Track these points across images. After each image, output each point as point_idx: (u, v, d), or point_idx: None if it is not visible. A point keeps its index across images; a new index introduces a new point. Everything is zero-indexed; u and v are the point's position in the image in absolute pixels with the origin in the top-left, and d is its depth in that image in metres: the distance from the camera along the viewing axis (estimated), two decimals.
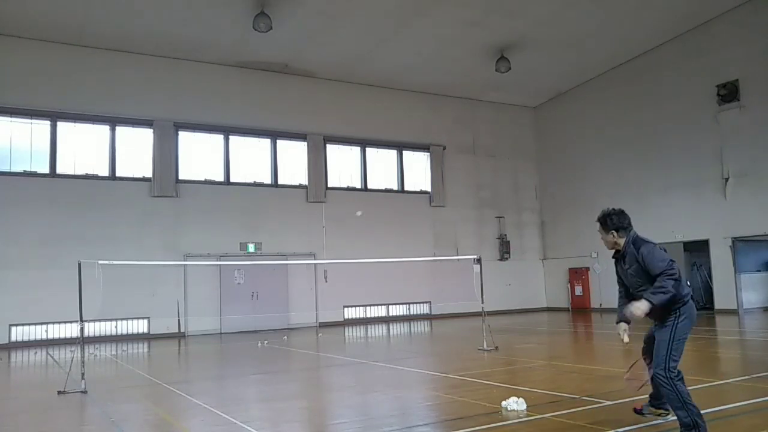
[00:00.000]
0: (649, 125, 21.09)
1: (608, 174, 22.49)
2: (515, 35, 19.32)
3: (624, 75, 22.01)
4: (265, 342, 15.06)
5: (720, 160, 19.02)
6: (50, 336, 16.74)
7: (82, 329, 8.88)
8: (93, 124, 18.08)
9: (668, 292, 4.57)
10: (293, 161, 20.86)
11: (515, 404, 6.12)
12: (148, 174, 18.52)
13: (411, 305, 22.20)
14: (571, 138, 24.28)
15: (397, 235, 21.72)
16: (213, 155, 19.72)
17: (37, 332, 16.72)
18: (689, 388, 6.60)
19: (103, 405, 7.65)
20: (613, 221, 4.99)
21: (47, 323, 16.73)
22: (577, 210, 23.69)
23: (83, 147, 17.94)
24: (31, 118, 17.29)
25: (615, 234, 4.99)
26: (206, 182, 19.44)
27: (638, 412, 5.41)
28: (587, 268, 23.27)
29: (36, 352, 14.88)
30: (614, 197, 22.20)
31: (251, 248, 19.55)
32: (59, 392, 8.39)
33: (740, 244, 18.84)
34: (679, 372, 4.66)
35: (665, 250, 4.82)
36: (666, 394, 4.66)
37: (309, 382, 9.48)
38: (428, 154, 23.21)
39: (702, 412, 5.51)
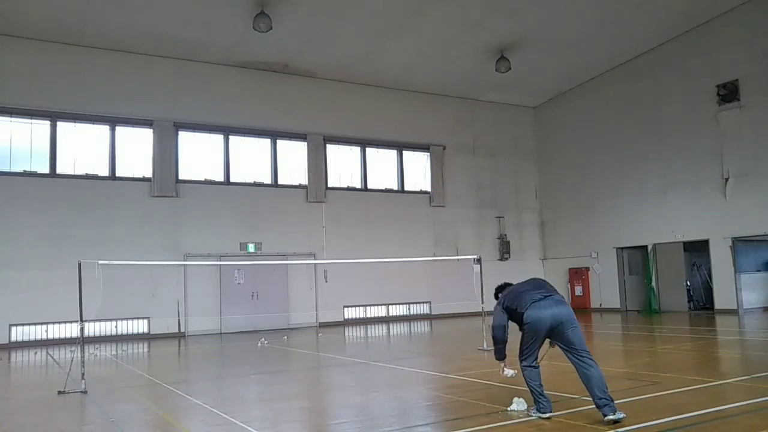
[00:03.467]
0: (649, 125, 21.09)
1: (608, 174, 22.49)
2: (515, 35, 19.32)
3: (624, 75, 22.01)
4: (265, 341, 15.05)
5: (720, 160, 19.02)
6: (50, 336, 16.74)
7: (82, 329, 8.88)
8: (93, 124, 18.08)
9: (493, 339, 6.26)
10: (293, 161, 20.86)
11: (516, 404, 6.12)
12: (148, 174, 18.52)
13: (411, 305, 22.19)
14: (571, 138, 24.27)
15: (397, 235, 21.72)
16: (213, 155, 19.72)
17: (37, 332, 16.72)
18: (689, 388, 6.58)
19: (103, 405, 7.65)
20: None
21: (47, 323, 16.73)
22: (577, 210, 23.70)
23: (83, 147, 17.94)
24: (31, 118, 17.29)
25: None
26: (206, 182, 19.44)
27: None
28: (587, 268, 23.27)
29: (36, 352, 14.88)
30: (614, 197, 22.25)
31: (251, 248, 19.55)
32: (59, 392, 8.40)
33: (740, 244, 18.84)
34: (531, 363, 5.91)
35: (506, 308, 6.14)
36: None
37: (309, 382, 9.48)
38: (428, 154, 23.21)
39: (702, 412, 5.52)
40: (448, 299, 20.32)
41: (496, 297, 6.47)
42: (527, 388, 5.96)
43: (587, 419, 5.66)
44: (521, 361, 5.93)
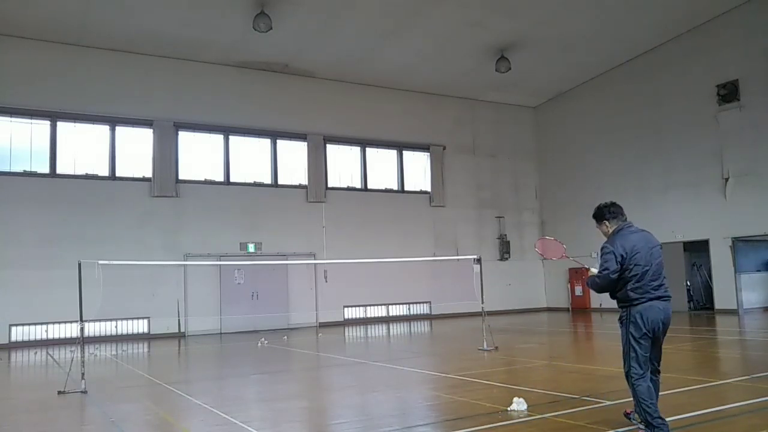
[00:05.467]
0: (649, 125, 21.08)
1: (608, 174, 22.47)
2: (515, 35, 19.31)
3: (624, 75, 22.00)
4: (265, 341, 15.05)
5: (720, 160, 19.02)
6: (50, 336, 16.73)
7: (82, 329, 8.88)
8: (93, 124, 18.07)
9: (593, 284, 5.20)
10: (293, 161, 20.85)
11: (516, 404, 6.12)
12: (148, 174, 18.52)
13: (411, 305, 22.19)
14: (571, 138, 24.26)
15: (397, 235, 21.71)
16: (213, 155, 19.71)
17: (37, 332, 16.71)
18: (689, 388, 6.57)
19: (103, 405, 7.65)
20: (594, 213, 5.38)
21: (47, 323, 16.72)
22: (577, 210, 23.64)
23: (83, 147, 17.93)
24: (31, 118, 17.29)
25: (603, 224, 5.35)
26: (206, 182, 19.43)
27: (627, 416, 5.36)
28: (587, 268, 23.16)
29: (36, 352, 14.88)
30: (614, 197, 22.05)
31: (251, 248, 19.55)
32: (59, 392, 8.39)
33: (740, 244, 18.84)
34: (642, 374, 4.82)
35: (620, 257, 4.98)
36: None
37: (309, 382, 9.48)
38: (428, 154, 23.21)
39: (702, 412, 5.51)
40: (448, 299, 20.32)
41: (600, 219, 5.25)
42: (638, 408, 4.87)
43: (587, 419, 5.65)
44: (631, 372, 4.85)
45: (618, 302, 5.08)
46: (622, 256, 4.92)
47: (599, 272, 5.06)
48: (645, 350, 4.86)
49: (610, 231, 5.22)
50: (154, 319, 18.00)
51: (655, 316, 4.85)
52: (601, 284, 5.08)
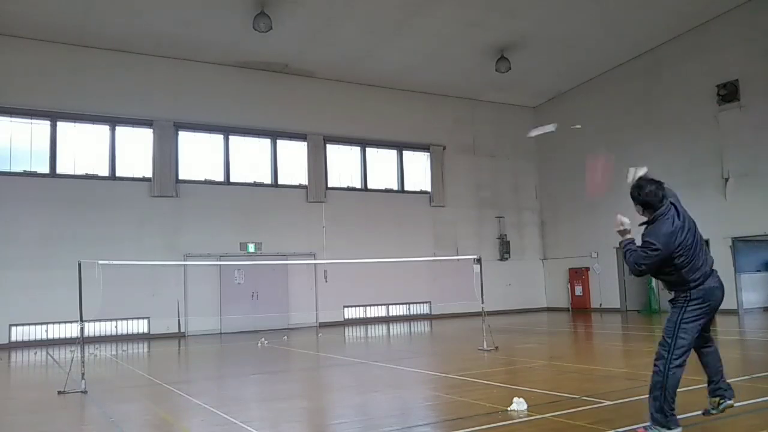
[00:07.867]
0: (649, 125, 21.08)
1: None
2: (515, 35, 19.32)
3: (624, 75, 22.00)
4: (265, 341, 15.05)
5: (720, 160, 19.02)
6: (50, 336, 16.73)
7: (82, 329, 8.88)
8: (93, 124, 18.07)
9: (628, 260, 4.76)
10: (293, 161, 20.85)
11: (516, 404, 6.12)
12: (148, 174, 18.52)
13: (411, 305, 22.19)
14: (571, 138, 24.23)
15: (397, 235, 21.71)
16: (213, 155, 19.71)
17: (37, 332, 16.71)
18: (689, 388, 6.54)
19: (103, 405, 7.65)
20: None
21: (47, 323, 16.72)
22: (577, 210, 23.67)
23: (83, 147, 17.93)
24: (31, 118, 17.29)
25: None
26: (206, 182, 19.44)
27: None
28: (587, 268, 23.26)
29: (36, 352, 14.88)
30: (614, 197, 22.24)
31: (251, 248, 19.55)
32: (59, 392, 8.39)
33: (740, 244, 18.83)
34: (682, 363, 4.60)
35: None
36: (653, 377, 4.64)
37: (309, 382, 9.48)
38: (428, 154, 23.21)
39: (702, 412, 5.47)
40: (448, 299, 20.31)
41: (647, 204, 4.84)
42: (653, 398, 4.62)
43: (587, 419, 5.65)
44: (671, 356, 4.56)
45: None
46: (664, 240, 4.75)
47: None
48: (691, 331, 4.69)
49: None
50: (154, 319, 18.00)
51: (711, 298, 4.79)
52: (636, 268, 4.88)
